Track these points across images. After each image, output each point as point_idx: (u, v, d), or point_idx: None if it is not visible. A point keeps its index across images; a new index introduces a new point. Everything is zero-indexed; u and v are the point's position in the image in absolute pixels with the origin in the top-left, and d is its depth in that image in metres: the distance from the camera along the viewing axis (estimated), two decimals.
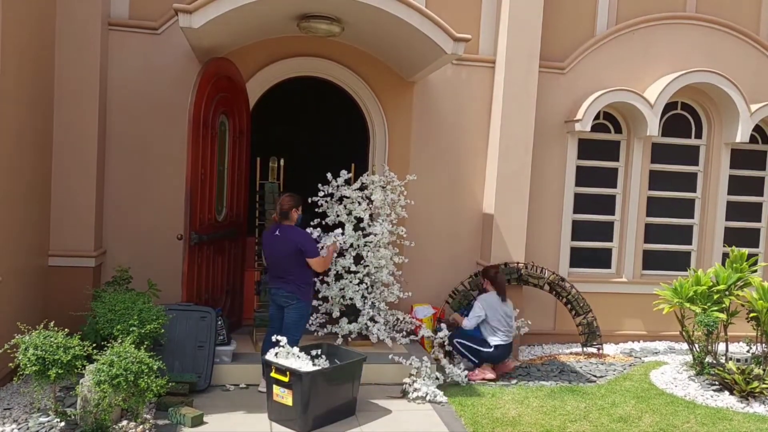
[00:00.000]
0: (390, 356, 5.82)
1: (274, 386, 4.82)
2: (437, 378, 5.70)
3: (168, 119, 6.52)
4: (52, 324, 4.50)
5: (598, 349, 7.00)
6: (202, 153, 5.88)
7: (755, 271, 6.55)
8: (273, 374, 4.82)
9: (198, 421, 4.72)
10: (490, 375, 6.09)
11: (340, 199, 6.47)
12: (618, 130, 7.78)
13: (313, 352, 5.15)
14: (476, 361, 6.14)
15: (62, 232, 6.15)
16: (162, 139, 6.54)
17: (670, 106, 7.71)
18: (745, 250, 6.58)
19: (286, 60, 6.81)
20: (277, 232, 5.31)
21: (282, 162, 6.35)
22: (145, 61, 6.49)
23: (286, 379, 4.72)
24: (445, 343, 6.24)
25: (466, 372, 6.06)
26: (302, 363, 4.96)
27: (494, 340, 6.13)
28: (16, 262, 5.42)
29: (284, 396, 4.76)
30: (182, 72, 6.52)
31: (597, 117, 7.49)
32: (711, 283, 6.41)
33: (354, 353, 5.25)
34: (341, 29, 6.10)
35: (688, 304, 6.32)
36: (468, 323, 6.19)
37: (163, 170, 6.55)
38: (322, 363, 4.99)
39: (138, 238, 6.52)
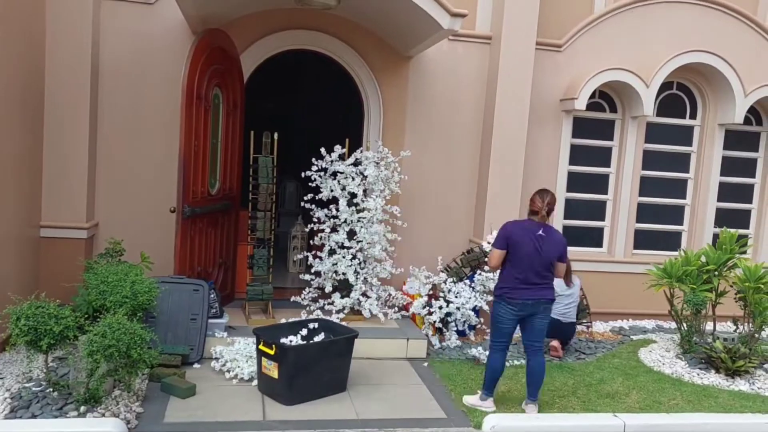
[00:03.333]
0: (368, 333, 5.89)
1: (263, 358, 4.85)
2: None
3: (161, 91, 6.47)
4: (44, 295, 4.50)
5: (588, 326, 7.06)
6: (196, 125, 5.85)
7: (744, 252, 6.59)
8: (260, 347, 4.85)
9: (190, 393, 4.75)
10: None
11: (334, 174, 6.47)
12: (613, 110, 7.77)
13: (311, 326, 5.19)
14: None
15: (54, 203, 6.12)
16: (155, 110, 6.49)
17: (665, 86, 7.70)
18: (736, 231, 6.63)
19: (281, 33, 6.74)
20: (540, 232, 4.65)
21: (276, 136, 6.32)
22: (138, 32, 6.41)
23: (272, 352, 4.75)
24: (436, 322, 6.30)
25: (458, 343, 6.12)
26: (291, 337, 5.00)
27: None
28: (7, 232, 5.40)
29: (271, 369, 4.79)
30: (176, 43, 6.45)
31: (592, 96, 7.47)
32: (701, 264, 6.46)
33: (347, 329, 5.28)
34: (337, 2, 6.03)
35: (677, 284, 6.38)
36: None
37: (156, 142, 6.51)
38: (318, 338, 5.02)
39: (131, 210, 6.50)
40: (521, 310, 4.67)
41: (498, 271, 4.83)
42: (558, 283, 5.02)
